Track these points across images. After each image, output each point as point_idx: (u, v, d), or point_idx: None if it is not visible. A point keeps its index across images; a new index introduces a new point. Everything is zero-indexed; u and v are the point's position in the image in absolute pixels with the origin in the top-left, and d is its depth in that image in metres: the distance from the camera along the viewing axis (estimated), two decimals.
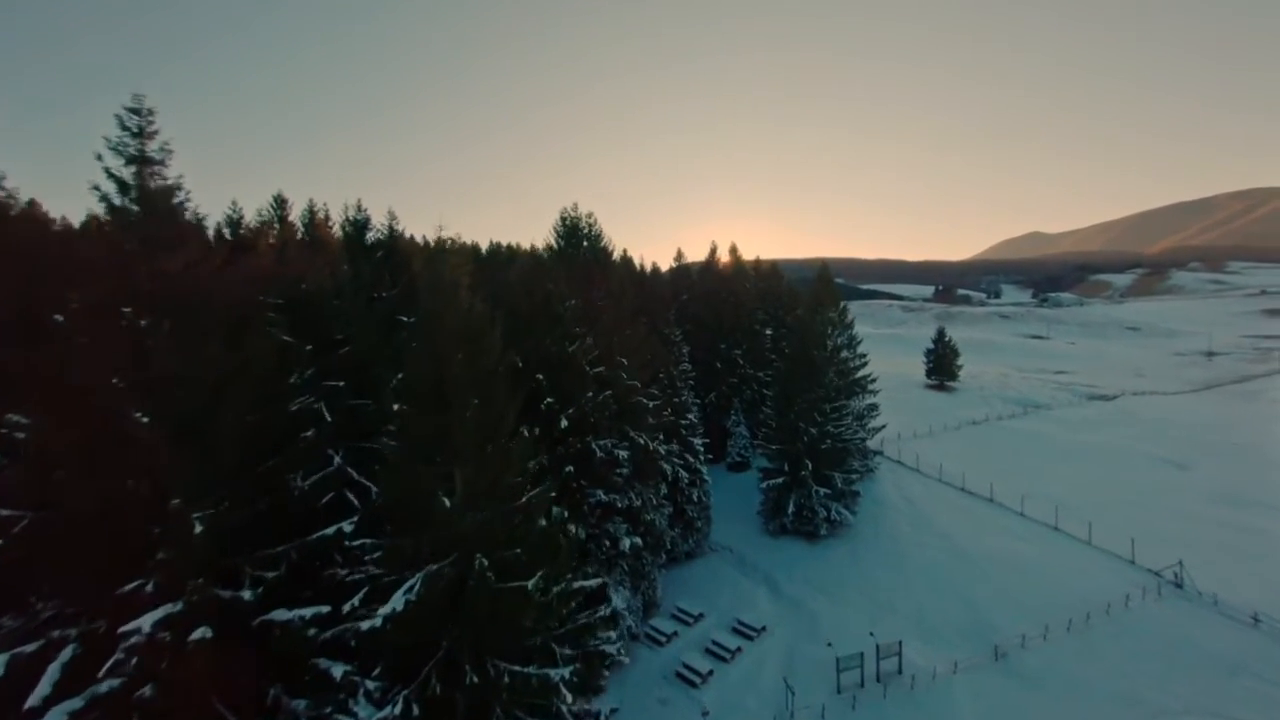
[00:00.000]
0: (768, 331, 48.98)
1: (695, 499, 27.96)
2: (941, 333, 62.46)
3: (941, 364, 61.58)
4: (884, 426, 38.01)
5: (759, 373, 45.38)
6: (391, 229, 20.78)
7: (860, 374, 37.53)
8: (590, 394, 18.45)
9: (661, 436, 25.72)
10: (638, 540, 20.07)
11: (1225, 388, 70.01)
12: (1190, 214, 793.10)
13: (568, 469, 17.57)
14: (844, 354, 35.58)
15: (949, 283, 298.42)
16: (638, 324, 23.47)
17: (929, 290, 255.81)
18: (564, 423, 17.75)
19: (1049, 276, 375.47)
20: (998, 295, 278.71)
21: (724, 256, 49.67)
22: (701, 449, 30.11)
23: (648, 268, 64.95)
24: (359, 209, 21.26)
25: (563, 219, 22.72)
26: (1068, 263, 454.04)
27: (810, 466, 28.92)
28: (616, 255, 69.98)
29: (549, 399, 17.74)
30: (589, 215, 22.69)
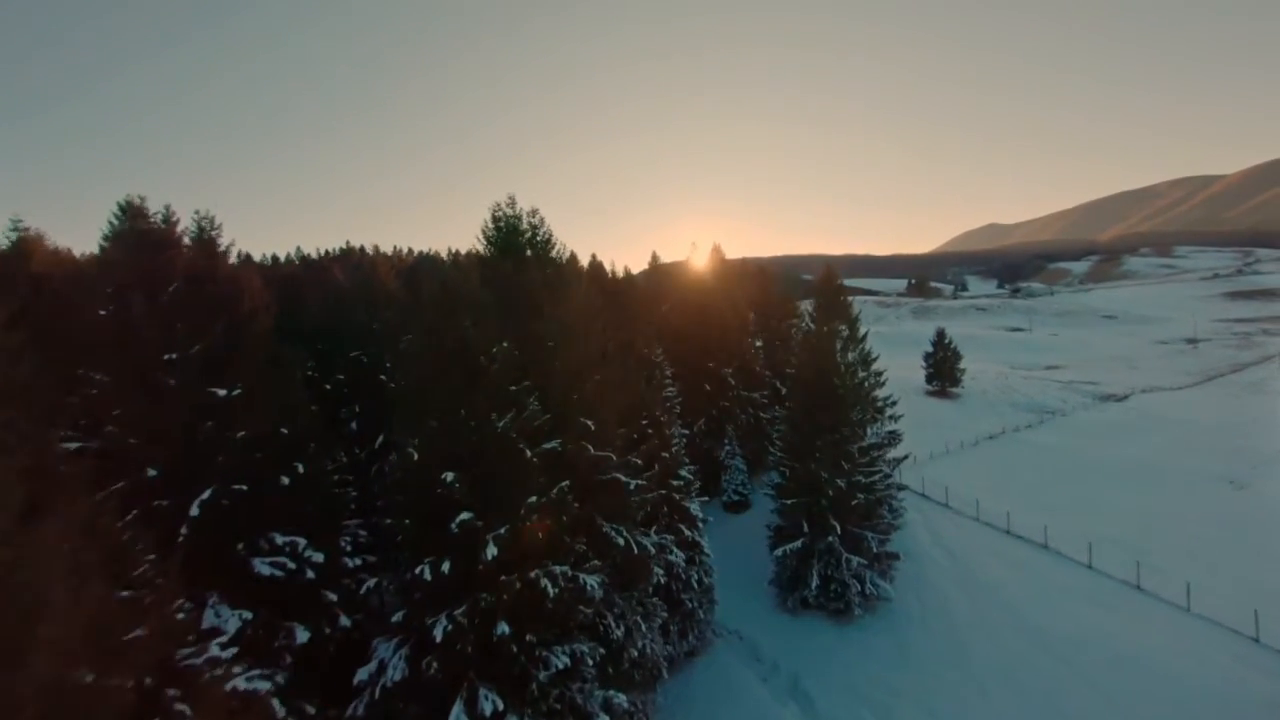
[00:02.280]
0: (758, 344, 42.79)
1: (696, 582, 21.31)
2: (941, 334, 57.45)
3: (943, 368, 56.58)
4: (906, 457, 32.13)
5: (754, 393, 39.14)
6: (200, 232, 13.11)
7: (876, 393, 31.52)
8: (535, 497, 11.55)
9: (648, 508, 19.06)
10: (620, 699, 13.27)
11: (1225, 379, 67.18)
12: (1135, 202, 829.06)
13: (500, 629, 10.64)
14: (860, 374, 29.46)
15: (917, 275, 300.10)
16: (610, 360, 16.65)
17: (900, 284, 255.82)
18: (491, 551, 10.83)
19: (1010, 266, 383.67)
20: (965, 287, 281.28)
21: (703, 257, 43.26)
22: (694, 492, 23.60)
23: (619, 273, 58.32)
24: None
25: (495, 219, 15.79)
26: (1027, 252, 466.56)
27: (839, 529, 22.61)
28: (585, 261, 62.35)
29: (464, 514, 10.81)
30: (533, 213, 15.84)
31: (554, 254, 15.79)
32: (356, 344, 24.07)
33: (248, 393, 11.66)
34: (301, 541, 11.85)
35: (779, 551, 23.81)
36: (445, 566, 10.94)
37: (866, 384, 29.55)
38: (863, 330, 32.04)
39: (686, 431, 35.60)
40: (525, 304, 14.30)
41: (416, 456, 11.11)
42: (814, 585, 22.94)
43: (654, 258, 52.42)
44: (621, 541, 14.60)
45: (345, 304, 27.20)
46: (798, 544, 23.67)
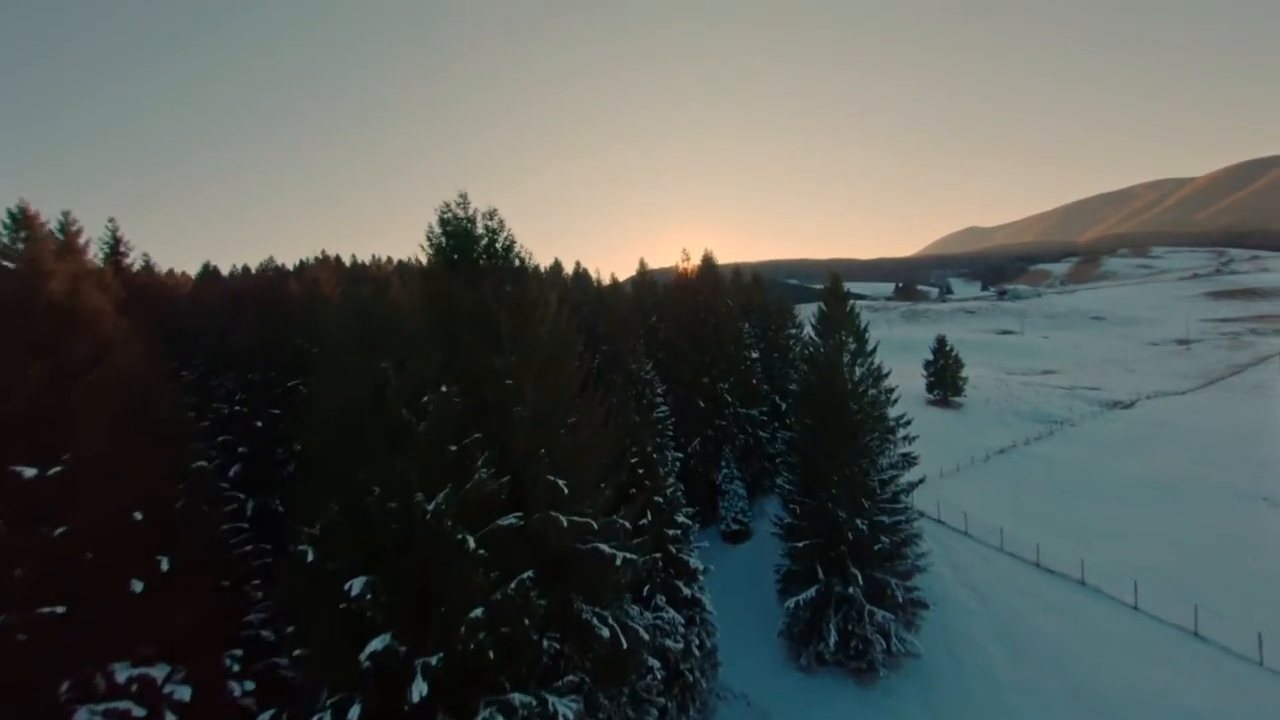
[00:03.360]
0: (754, 355, 39.85)
1: (697, 647, 18.11)
2: (942, 342, 55.08)
3: (944, 377, 54.19)
4: (921, 481, 29.31)
5: (751, 410, 36.14)
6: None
7: (887, 410, 28.66)
8: (480, 609, 8.28)
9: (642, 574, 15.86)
10: None
11: (1225, 382, 65.77)
12: (1111, 204, 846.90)
13: None
14: (870, 392, 26.60)
15: (900, 279, 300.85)
16: (590, 397, 13.44)
17: (887, 288, 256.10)
18: (420, 689, 7.56)
19: (992, 268, 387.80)
20: (949, 290, 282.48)
21: (693, 263, 40.25)
22: (694, 538, 20.43)
23: (605, 281, 55.20)
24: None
25: (443, 222, 12.59)
26: (1009, 254, 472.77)
27: (860, 578, 19.56)
28: (570, 268, 58.88)
29: (380, 638, 7.54)
30: (490, 214, 12.65)
31: (519, 263, 12.57)
32: (296, 371, 20.61)
33: (80, 467, 8.29)
34: (158, 673, 8.47)
35: (790, 603, 20.68)
36: (354, 712, 7.66)
37: (879, 402, 26.72)
38: (871, 342, 29.20)
39: (680, 455, 32.55)
40: (478, 330, 11.08)
41: (312, 556, 7.82)
42: (832, 641, 19.86)
43: (641, 265, 49.43)
44: (606, 632, 11.37)
45: (285, 324, 23.60)
46: (811, 592, 20.57)
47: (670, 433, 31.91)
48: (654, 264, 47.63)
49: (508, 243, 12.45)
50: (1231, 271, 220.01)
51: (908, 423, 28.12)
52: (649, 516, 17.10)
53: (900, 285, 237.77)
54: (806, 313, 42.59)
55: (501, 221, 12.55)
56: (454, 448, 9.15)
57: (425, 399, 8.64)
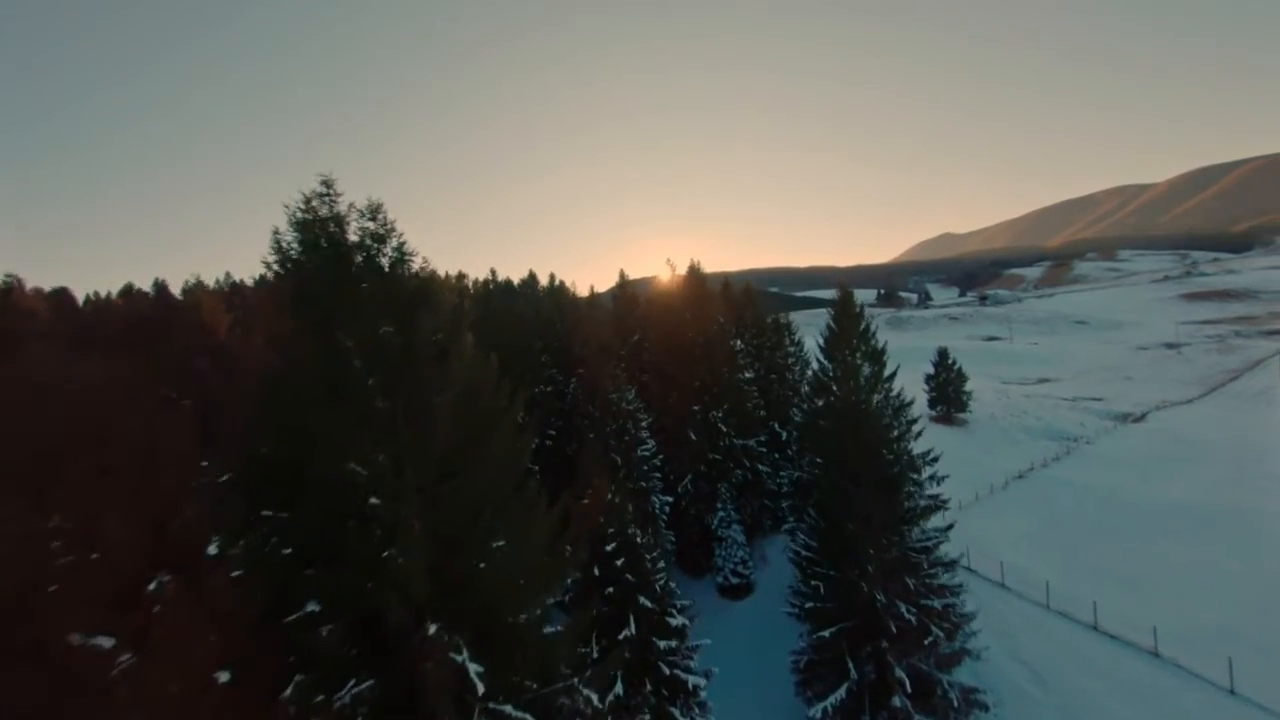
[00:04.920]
0: (748, 375, 35.57)
1: None
2: (944, 354, 51.60)
3: (947, 391, 50.70)
4: (951, 527, 25.08)
5: (749, 441, 31.80)
6: None
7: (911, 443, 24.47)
8: None
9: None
10: None
11: (1228, 389, 63.65)
12: (1078, 209, 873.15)
13: None
14: (895, 427, 22.41)
15: (880, 285, 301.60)
16: (534, 498, 8.72)
17: (867, 294, 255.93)
18: None
19: (968, 273, 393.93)
20: (928, 296, 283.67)
21: (678, 273, 35.92)
22: (689, 621, 15.86)
23: (585, 293, 50.52)
24: None
25: (298, 225, 8.02)
26: (983, 259, 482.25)
27: (907, 682, 15.16)
28: (544, 282, 53.89)
29: None
30: (372, 212, 8.11)
31: (415, 285, 7.92)
32: None
33: None
34: None
35: (815, 711, 16.13)
36: None
37: (907, 438, 22.55)
38: (890, 366, 25.11)
39: (670, 499, 27.99)
40: (334, 406, 6.46)
41: None
42: None
43: (622, 276, 45.09)
44: None
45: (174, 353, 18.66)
46: (842, 693, 16.11)
47: (658, 472, 27.42)
48: (634, 274, 43.27)
49: (398, 255, 7.80)
50: (1201, 273, 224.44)
51: (935, 460, 23.95)
52: (631, 625, 12.48)
53: (882, 292, 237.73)
54: (797, 322, 38.75)
55: (390, 222, 7.93)
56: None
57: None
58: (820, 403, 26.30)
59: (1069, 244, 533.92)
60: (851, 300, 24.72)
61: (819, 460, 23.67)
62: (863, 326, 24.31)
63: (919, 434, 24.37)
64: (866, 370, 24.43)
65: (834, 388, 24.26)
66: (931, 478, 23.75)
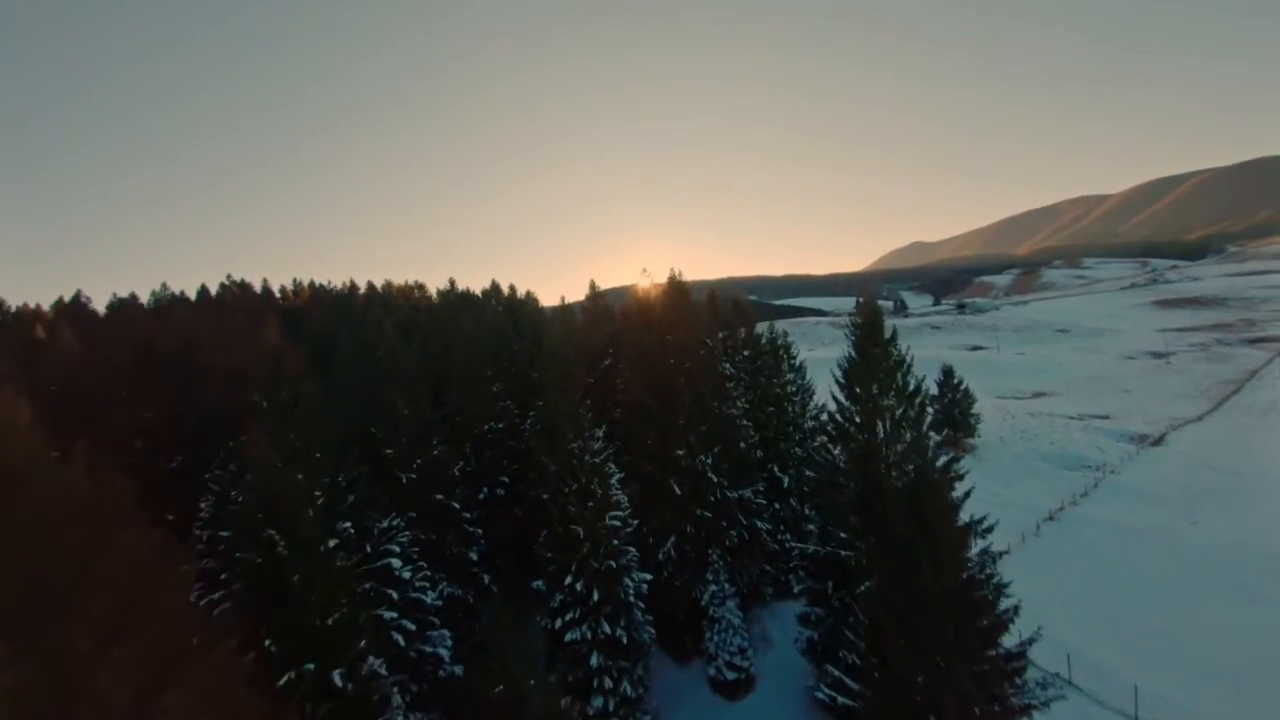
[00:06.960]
0: (742, 405, 29.89)
1: None
2: (949, 372, 47.05)
3: (953, 414, 46.07)
4: (1016, 610, 19.65)
5: (744, 491, 26.11)
6: None
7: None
8: None
9: None
10: None
11: (1234, 403, 60.70)
12: (1042, 219, 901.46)
13: None
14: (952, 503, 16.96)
15: (855, 293, 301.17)
16: None
17: (847, 302, 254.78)
18: None
19: (940, 281, 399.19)
20: (904, 304, 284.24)
21: (655, 282, 30.02)
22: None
23: (553, 304, 44.41)
24: None
25: None
26: (954, 267, 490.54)
27: None
28: (517, 293, 46.99)
29: None
30: None
31: None
32: None
33: None
34: None
35: None
36: None
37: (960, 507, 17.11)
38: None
39: (649, 577, 21.95)
40: None
41: None
42: None
43: (593, 286, 39.30)
44: None
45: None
46: None
47: (633, 545, 21.33)
48: (608, 283, 37.45)
49: None
50: (1166, 280, 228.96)
51: (990, 529, 18.60)
52: None
53: (861, 300, 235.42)
54: (780, 329, 33.34)
55: None
56: None
57: None
58: (837, 450, 20.92)
59: (1036, 252, 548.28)
60: (880, 321, 19.38)
61: (843, 537, 18.11)
62: (895, 358, 18.89)
63: (968, 494, 18.99)
64: (899, 409, 19.09)
65: (859, 436, 18.82)
66: (988, 550, 18.36)
